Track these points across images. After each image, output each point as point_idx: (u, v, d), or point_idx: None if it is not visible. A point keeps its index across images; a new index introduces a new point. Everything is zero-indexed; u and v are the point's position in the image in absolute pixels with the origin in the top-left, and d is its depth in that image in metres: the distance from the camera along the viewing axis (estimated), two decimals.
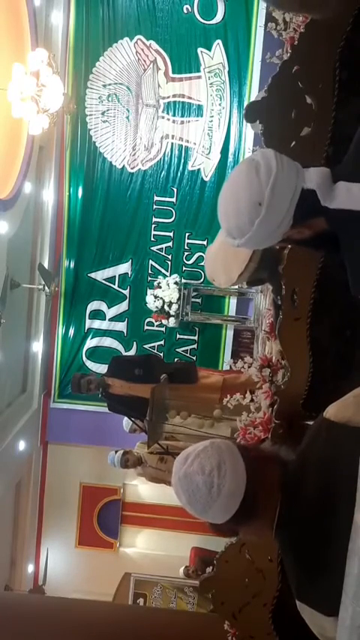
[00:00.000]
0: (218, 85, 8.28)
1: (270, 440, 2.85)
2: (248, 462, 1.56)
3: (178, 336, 8.75)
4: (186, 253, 8.62)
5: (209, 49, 8.20)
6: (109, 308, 8.81)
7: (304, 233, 1.75)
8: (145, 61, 8.35)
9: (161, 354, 8.33)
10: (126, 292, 8.77)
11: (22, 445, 8.03)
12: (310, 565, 1.56)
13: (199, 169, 8.48)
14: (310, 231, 1.75)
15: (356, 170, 1.69)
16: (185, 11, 8.16)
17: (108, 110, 8.50)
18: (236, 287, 7.20)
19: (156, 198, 8.57)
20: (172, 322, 8.42)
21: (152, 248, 8.67)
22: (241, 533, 1.65)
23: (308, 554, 1.56)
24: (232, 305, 8.56)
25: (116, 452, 6.46)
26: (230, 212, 1.72)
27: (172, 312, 8.32)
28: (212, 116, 8.38)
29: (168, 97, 8.41)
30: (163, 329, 8.70)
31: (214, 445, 1.58)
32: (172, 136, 8.48)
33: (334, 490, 1.49)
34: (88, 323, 8.85)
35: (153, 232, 8.65)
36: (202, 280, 8.32)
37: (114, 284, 8.77)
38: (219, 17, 8.11)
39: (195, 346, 8.76)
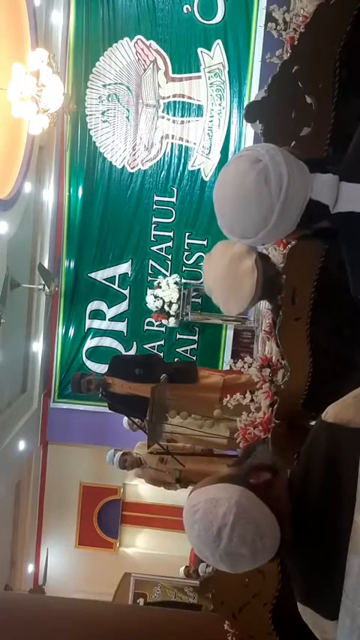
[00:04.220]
0: (218, 84, 8.28)
1: (270, 440, 2.85)
2: (266, 500, 1.50)
3: (178, 336, 8.75)
4: (186, 253, 8.62)
5: (209, 49, 8.20)
6: (109, 308, 8.81)
7: (304, 232, 1.75)
8: (145, 61, 8.35)
9: (161, 354, 8.33)
10: (126, 292, 8.77)
11: (22, 445, 8.03)
12: (314, 569, 1.56)
13: (199, 169, 8.48)
14: (311, 231, 1.75)
15: (356, 170, 1.69)
16: (185, 11, 8.16)
17: (108, 110, 8.50)
18: None
19: (156, 198, 8.57)
20: (172, 322, 8.42)
21: (152, 248, 8.67)
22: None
23: (313, 558, 1.55)
24: None
25: (115, 451, 6.43)
26: (236, 221, 1.67)
27: (172, 312, 8.32)
28: (212, 116, 8.38)
29: (168, 97, 8.41)
30: (163, 329, 8.70)
31: (240, 507, 1.46)
32: (172, 136, 8.49)
33: (338, 493, 1.48)
34: (88, 323, 8.85)
35: (153, 232, 8.65)
36: (202, 280, 8.27)
37: (114, 284, 8.77)
38: (219, 17, 8.11)
39: (195, 346, 8.76)
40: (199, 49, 8.22)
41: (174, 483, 6.11)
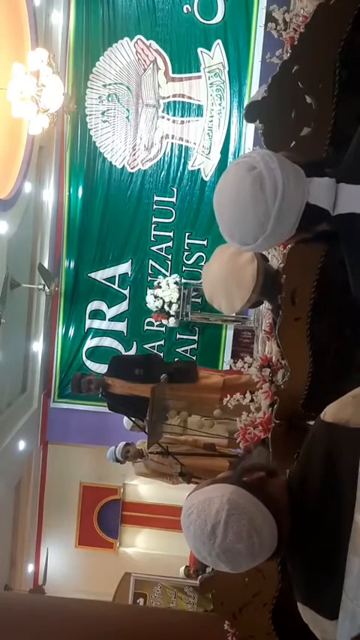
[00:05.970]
0: (218, 84, 8.28)
1: (270, 440, 2.85)
2: (261, 497, 1.50)
3: (178, 336, 8.75)
4: (186, 253, 8.62)
5: (209, 49, 8.20)
6: (109, 308, 8.81)
7: (304, 235, 1.75)
8: (145, 60, 8.35)
9: (161, 354, 8.33)
10: (126, 292, 8.77)
11: (22, 445, 8.03)
12: (314, 569, 1.55)
13: (199, 169, 8.48)
14: (311, 234, 1.75)
15: (356, 171, 1.69)
16: (185, 11, 8.16)
17: (108, 110, 8.50)
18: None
19: (156, 198, 8.57)
20: (172, 322, 8.42)
21: (152, 248, 8.67)
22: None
23: (313, 558, 1.55)
24: None
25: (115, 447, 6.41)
26: (235, 228, 1.69)
27: (172, 312, 8.32)
28: (212, 116, 8.38)
29: (168, 97, 8.41)
30: (163, 329, 8.70)
31: (233, 504, 1.46)
32: (172, 136, 8.49)
33: (337, 492, 1.48)
34: (88, 323, 8.85)
35: (153, 232, 8.65)
36: (202, 280, 8.29)
37: (114, 284, 8.77)
38: (219, 17, 8.11)
39: (195, 346, 8.76)
40: (199, 49, 8.22)
41: (176, 476, 6.10)
